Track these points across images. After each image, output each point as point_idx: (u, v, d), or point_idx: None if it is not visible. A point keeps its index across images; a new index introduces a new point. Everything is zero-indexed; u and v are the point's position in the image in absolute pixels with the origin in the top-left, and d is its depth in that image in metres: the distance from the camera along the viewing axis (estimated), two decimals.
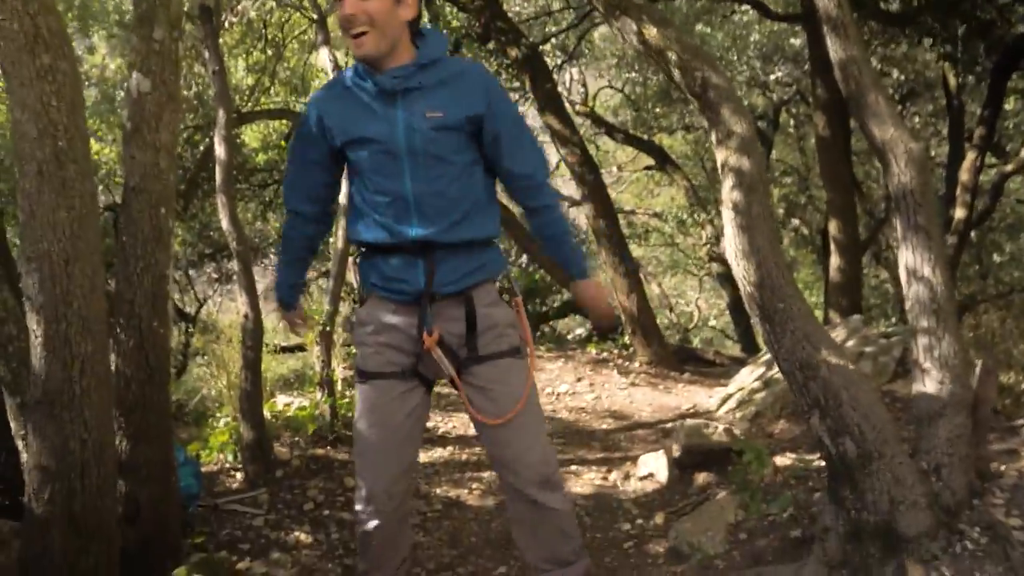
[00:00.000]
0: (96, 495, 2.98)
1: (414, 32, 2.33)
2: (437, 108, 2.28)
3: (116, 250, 3.70)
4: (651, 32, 4.40)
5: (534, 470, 2.43)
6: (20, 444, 4.42)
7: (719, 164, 4.22)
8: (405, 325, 2.40)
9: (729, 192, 3.98)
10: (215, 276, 13.61)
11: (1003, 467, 3.72)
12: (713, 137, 4.22)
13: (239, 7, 7.72)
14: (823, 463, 4.34)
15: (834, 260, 8.79)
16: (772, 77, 15.35)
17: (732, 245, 3.95)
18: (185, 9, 5.56)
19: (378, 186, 2.33)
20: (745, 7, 12.47)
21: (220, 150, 5.62)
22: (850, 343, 6.54)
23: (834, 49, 3.87)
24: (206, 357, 11.47)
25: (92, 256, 3.00)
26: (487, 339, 2.40)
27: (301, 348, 11.25)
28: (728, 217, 3.97)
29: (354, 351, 2.78)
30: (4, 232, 4.67)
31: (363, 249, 2.50)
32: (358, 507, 2.51)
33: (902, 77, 13.65)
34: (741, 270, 3.87)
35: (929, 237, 3.48)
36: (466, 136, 2.33)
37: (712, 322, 17.85)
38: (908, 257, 3.51)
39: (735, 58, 15.01)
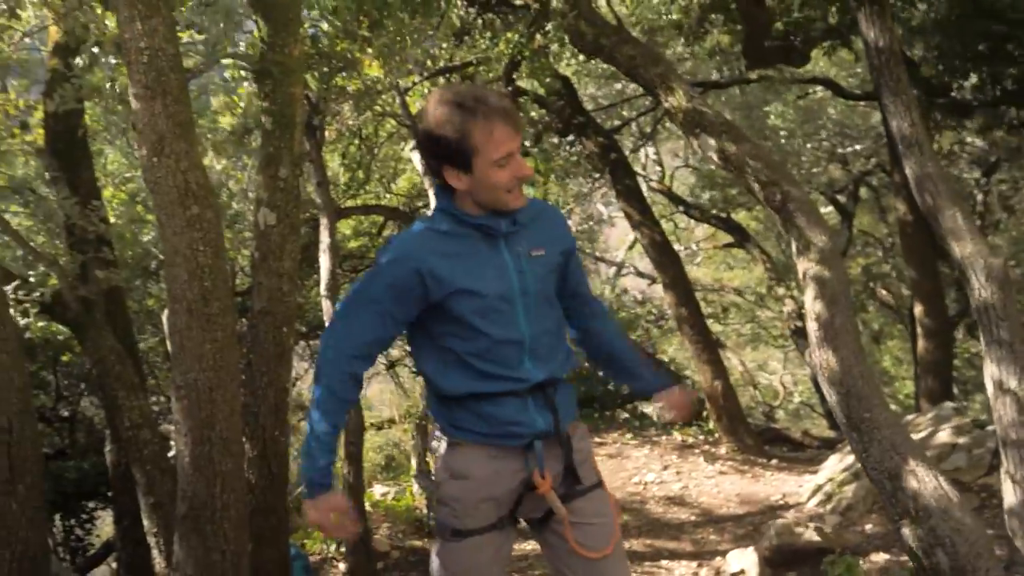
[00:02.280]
0: None
1: None
2: (538, 246, 2.25)
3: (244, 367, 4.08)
4: (731, 148, 4.66)
5: None
6: (151, 540, 4.83)
7: (800, 274, 4.39)
8: (509, 471, 2.23)
9: (812, 303, 4.14)
10: (308, 355, 14.17)
11: None
12: (794, 248, 4.41)
13: (339, 117, 8.31)
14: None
15: (922, 343, 8.70)
16: (850, 150, 15.35)
17: (816, 355, 4.09)
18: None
19: (489, 333, 2.19)
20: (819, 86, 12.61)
21: (324, 258, 6.09)
22: (941, 433, 6.47)
23: (910, 166, 4.05)
24: (298, 438, 11.94)
25: (232, 383, 3.37)
26: (582, 472, 2.32)
27: (386, 425, 11.67)
28: (811, 328, 4.12)
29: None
30: (136, 347, 5.14)
31: (453, 399, 2.26)
32: None
33: (984, 146, 13.48)
34: (826, 380, 4.00)
35: (1013, 351, 3.57)
36: (558, 270, 2.32)
37: (796, 397, 17.56)
38: (993, 370, 3.60)
39: (811, 132, 15.11)
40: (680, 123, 5.06)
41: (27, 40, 5.41)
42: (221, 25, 3.53)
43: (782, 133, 13.95)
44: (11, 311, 3.92)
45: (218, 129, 8.35)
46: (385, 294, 2.16)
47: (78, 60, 4.54)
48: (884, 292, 17.32)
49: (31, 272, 4.72)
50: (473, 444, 2.23)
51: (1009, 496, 3.50)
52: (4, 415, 2.66)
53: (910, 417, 7.69)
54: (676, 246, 16.04)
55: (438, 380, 2.25)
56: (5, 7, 4.53)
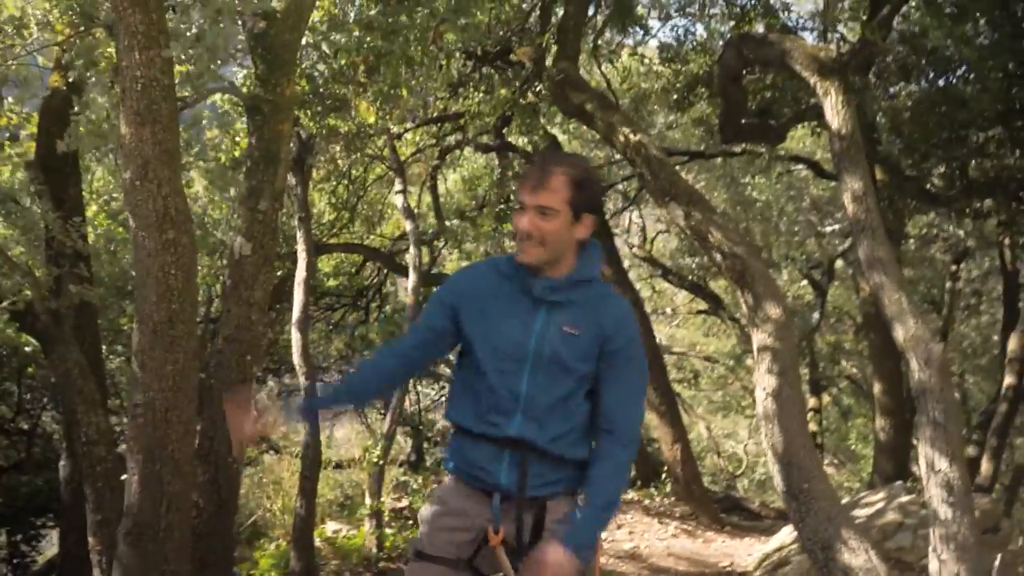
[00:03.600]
0: None
1: (581, 246, 2.32)
2: (574, 325, 2.26)
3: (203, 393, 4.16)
4: (696, 217, 4.84)
5: None
6: (94, 558, 4.82)
7: (754, 345, 4.54)
8: (475, 514, 2.30)
9: (763, 374, 4.29)
10: (277, 391, 14.13)
11: None
12: (749, 319, 4.58)
13: (328, 155, 8.49)
14: None
15: (879, 422, 8.85)
16: (828, 229, 15.71)
17: (763, 424, 4.23)
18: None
19: (492, 379, 2.28)
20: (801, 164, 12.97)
21: (299, 292, 6.18)
22: (890, 512, 6.57)
23: (862, 249, 4.24)
24: (257, 468, 11.88)
25: (189, 405, 3.45)
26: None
27: (347, 464, 11.66)
28: (760, 397, 4.27)
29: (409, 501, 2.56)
30: (102, 364, 5.18)
31: (454, 429, 2.41)
32: None
33: (960, 232, 13.77)
34: (770, 448, 4.13)
35: (947, 432, 3.71)
36: (591, 359, 2.28)
37: (761, 468, 17.62)
38: (927, 451, 3.73)
39: (790, 208, 15.46)
40: (651, 190, 5.26)
41: (26, 54, 5.56)
42: (205, 60, 3.68)
43: (758, 205, 14.26)
44: None
45: (212, 160, 8.52)
46: (433, 309, 2.40)
47: (72, 76, 4.68)
48: (853, 370, 17.54)
49: (6, 280, 4.79)
50: (454, 476, 2.36)
51: (935, 574, 3.61)
52: None
53: (862, 494, 7.79)
54: (650, 309, 16.28)
55: (448, 404, 2.41)
56: (11, 28, 4.66)
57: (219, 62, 4.07)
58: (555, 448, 2.27)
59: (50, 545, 10.75)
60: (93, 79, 4.55)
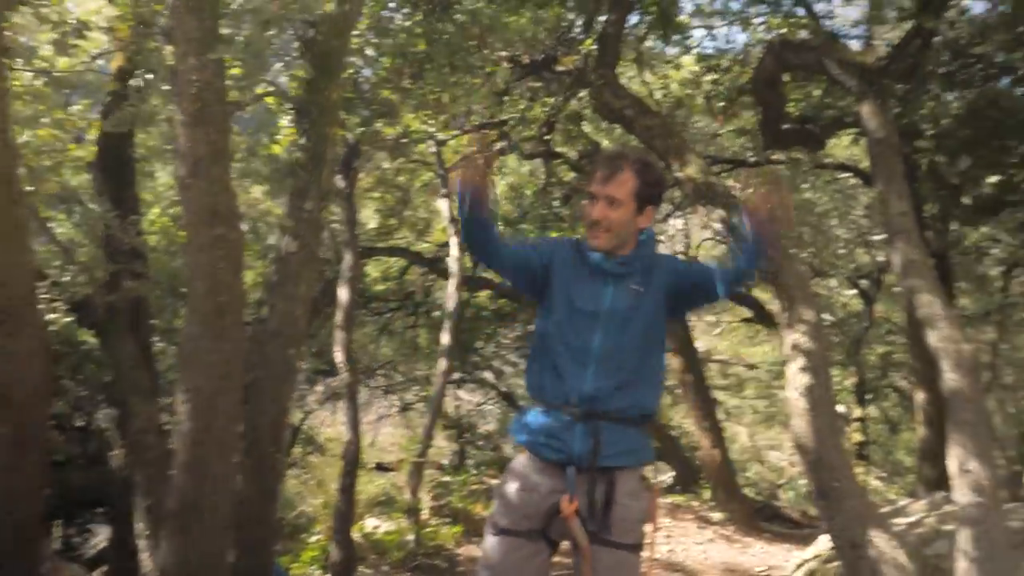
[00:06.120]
0: None
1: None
2: (639, 284, 2.49)
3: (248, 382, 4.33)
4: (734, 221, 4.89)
5: None
6: (142, 543, 5.03)
7: (787, 345, 4.58)
8: (547, 487, 2.42)
9: (795, 374, 4.33)
10: (325, 393, 14.34)
11: None
12: (783, 320, 4.61)
13: (374, 160, 8.70)
14: None
15: (920, 431, 8.72)
16: (877, 238, 15.45)
17: (794, 423, 4.26)
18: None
19: (567, 335, 2.45)
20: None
21: (343, 292, 6.36)
22: (930, 519, 6.49)
23: (897, 252, 4.25)
24: (303, 469, 12.13)
25: (235, 392, 3.62)
26: (618, 528, 2.41)
27: (390, 469, 11.87)
28: (791, 396, 4.30)
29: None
30: (153, 359, 5.40)
31: (530, 402, 2.56)
32: None
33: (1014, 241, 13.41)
34: (801, 447, 4.16)
35: (976, 432, 3.72)
36: (658, 308, 2.50)
37: (804, 480, 17.35)
38: (957, 451, 3.74)
39: (838, 216, 15.23)
40: (689, 193, 5.32)
41: (95, 62, 5.85)
42: (253, 65, 3.88)
43: (814, 213, 14.08)
44: (40, 307, 4.20)
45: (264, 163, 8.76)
46: (535, 249, 2.60)
47: (133, 82, 4.93)
48: (903, 382, 17.21)
49: (66, 276, 5.04)
50: (526, 451, 2.50)
51: (961, 574, 3.61)
52: (21, 392, 2.90)
53: (903, 502, 7.69)
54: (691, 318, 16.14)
55: (527, 374, 2.57)
56: (73, 29, 4.91)
57: (265, 68, 4.25)
58: (623, 401, 2.42)
59: (101, 540, 11.11)
60: (149, 79, 4.78)
